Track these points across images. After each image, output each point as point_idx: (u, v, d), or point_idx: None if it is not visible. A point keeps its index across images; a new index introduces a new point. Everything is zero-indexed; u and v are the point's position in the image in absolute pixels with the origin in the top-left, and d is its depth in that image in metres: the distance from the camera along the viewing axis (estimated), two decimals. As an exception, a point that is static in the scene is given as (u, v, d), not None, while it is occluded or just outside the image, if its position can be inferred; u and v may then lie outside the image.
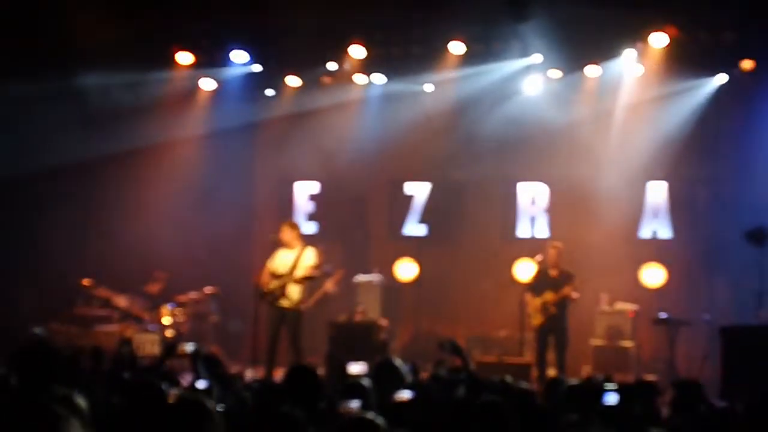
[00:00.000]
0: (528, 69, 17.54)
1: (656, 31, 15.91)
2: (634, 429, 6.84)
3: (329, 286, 16.14)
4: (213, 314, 17.32)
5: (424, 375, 9.84)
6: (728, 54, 16.48)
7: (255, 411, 6.55)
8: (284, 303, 14.84)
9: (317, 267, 15.01)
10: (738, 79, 17.08)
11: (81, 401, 4.62)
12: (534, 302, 15.88)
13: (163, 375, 7.74)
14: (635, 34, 16.20)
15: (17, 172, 16.65)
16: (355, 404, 6.12)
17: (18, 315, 16.59)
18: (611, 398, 7.25)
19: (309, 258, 15.06)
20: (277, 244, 15.17)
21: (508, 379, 7.97)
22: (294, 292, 14.80)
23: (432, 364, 10.49)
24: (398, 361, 8.13)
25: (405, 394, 6.72)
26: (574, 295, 15.69)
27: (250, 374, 13.26)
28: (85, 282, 16.63)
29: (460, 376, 8.43)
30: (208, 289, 17.04)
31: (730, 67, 16.94)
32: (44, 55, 15.92)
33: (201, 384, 7.55)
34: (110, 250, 17.64)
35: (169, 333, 16.32)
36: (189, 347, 10.07)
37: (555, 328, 15.79)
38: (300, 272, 14.91)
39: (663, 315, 15.94)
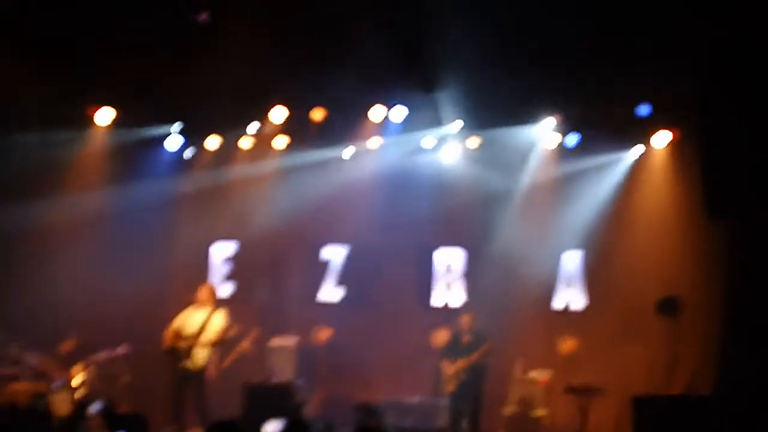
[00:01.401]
0: (446, 137, 17.77)
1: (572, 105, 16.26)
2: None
3: (245, 345, 16.04)
4: (125, 374, 17.07)
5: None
6: (643, 127, 16.87)
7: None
8: (188, 365, 14.75)
9: (226, 331, 14.98)
10: (650, 152, 17.46)
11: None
12: (449, 369, 15.95)
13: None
14: (553, 105, 16.53)
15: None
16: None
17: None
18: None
19: (218, 321, 15.03)
20: (191, 302, 15.12)
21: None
22: (200, 355, 14.72)
23: (347, 428, 10.48)
24: (314, 421, 8.12)
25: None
26: (475, 358, 15.78)
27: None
28: (-6, 340, 16.32)
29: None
30: (120, 349, 16.81)
31: (644, 139, 17.31)
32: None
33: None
34: (21, 308, 17.33)
35: (80, 393, 16.05)
36: (95, 407, 9.95)
37: (467, 395, 15.86)
38: (208, 336, 14.86)
39: (574, 384, 16.07)
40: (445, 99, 16.29)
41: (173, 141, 18.47)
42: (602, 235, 17.91)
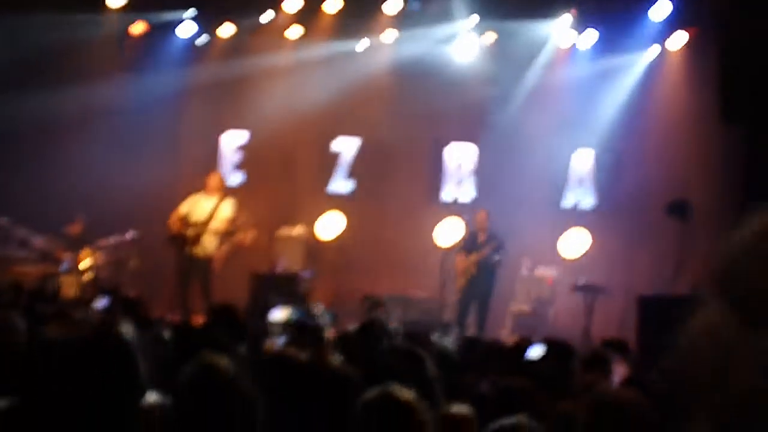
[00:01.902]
0: (462, 33, 17.61)
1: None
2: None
3: (243, 238, 15.90)
4: (133, 259, 17.13)
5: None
6: (659, 29, 16.69)
7: (175, 348, 6.51)
8: (197, 251, 14.80)
9: (233, 221, 15.00)
10: (668, 55, 17.30)
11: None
12: (461, 264, 16.02)
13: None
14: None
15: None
16: (279, 341, 6.11)
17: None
18: (535, 352, 7.31)
19: (226, 210, 15.04)
20: (200, 188, 15.13)
21: (434, 336, 8.01)
22: (209, 242, 14.77)
23: (352, 318, 10.52)
24: (320, 309, 8.16)
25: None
26: (495, 257, 15.83)
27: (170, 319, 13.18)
28: (2, 221, 16.36)
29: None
30: (129, 234, 16.85)
31: (660, 41, 17.14)
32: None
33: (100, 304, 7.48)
34: (29, 191, 17.36)
35: (87, 276, 16.15)
36: (101, 302, 9.95)
37: (477, 291, 15.94)
38: (216, 224, 14.88)
39: (581, 282, 16.13)
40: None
41: (186, 27, 18.32)
42: (615, 135, 17.82)
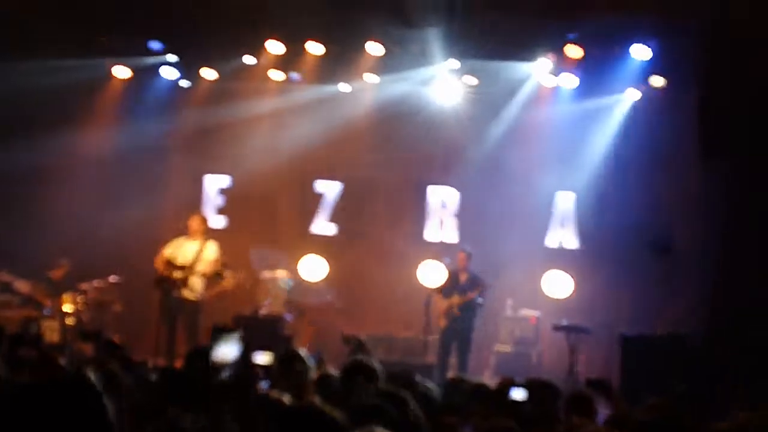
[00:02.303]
0: (443, 75, 17.71)
1: (570, 43, 16.15)
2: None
3: (230, 282, 15.90)
4: (116, 303, 17.11)
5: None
6: (640, 70, 16.79)
7: (159, 391, 6.50)
8: (186, 294, 14.79)
9: (218, 262, 15.02)
10: (649, 96, 17.41)
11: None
12: (441, 305, 16.02)
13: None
14: (550, 44, 16.42)
15: None
16: (264, 385, 6.10)
17: None
18: (518, 394, 7.30)
19: (211, 252, 15.06)
20: (183, 232, 15.15)
21: (417, 378, 7.98)
22: (197, 284, 14.77)
23: (336, 360, 10.49)
24: (303, 352, 8.14)
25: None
26: (479, 300, 15.85)
27: (153, 363, 13.14)
28: (-16, 266, 16.34)
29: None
30: (112, 278, 16.84)
31: (640, 83, 17.24)
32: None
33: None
34: (12, 234, 17.32)
35: (70, 320, 16.10)
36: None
37: (458, 331, 15.94)
38: (202, 266, 14.89)
39: (563, 322, 16.14)
40: (442, 36, 16.18)
41: (169, 72, 18.39)
42: (598, 174, 17.89)
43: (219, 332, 3.87)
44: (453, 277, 16.20)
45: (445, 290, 16.12)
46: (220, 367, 3.75)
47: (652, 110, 17.41)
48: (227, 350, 3.73)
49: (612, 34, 16.00)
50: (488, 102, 18.13)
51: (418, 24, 15.81)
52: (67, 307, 16.23)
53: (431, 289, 16.38)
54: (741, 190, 14.38)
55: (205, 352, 6.96)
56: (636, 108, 17.69)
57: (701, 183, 15.97)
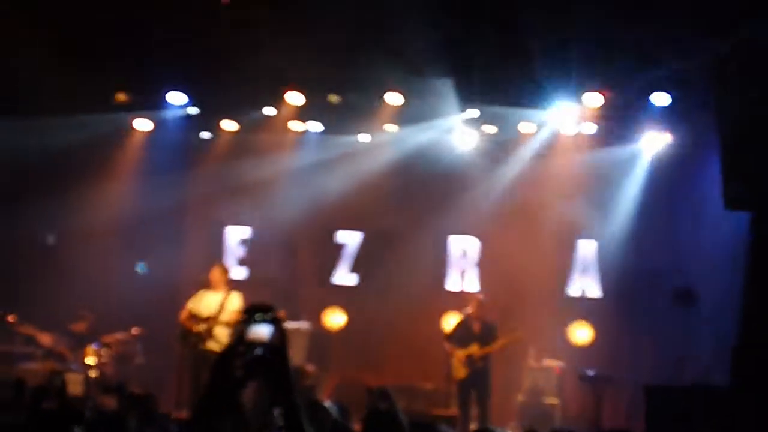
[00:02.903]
0: (462, 124, 17.74)
1: (591, 90, 16.16)
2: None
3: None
4: (138, 355, 17.10)
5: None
6: (659, 118, 16.79)
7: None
8: (211, 346, 14.75)
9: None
10: (671, 143, 17.39)
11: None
12: (458, 355, 15.91)
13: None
14: (569, 93, 16.43)
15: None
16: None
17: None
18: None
19: (235, 302, 15.03)
20: (204, 284, 15.13)
21: (443, 428, 7.91)
22: (222, 335, 14.73)
23: (358, 410, 10.43)
24: (327, 403, 8.11)
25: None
26: (518, 336, 15.82)
27: (176, 416, 13.11)
28: (10, 318, 16.37)
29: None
30: (134, 330, 16.84)
31: (660, 131, 17.23)
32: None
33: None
34: (36, 287, 17.39)
35: (93, 373, 16.09)
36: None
37: (479, 382, 15.84)
38: (226, 316, 14.87)
39: (589, 372, 16.04)
40: (461, 85, 16.21)
41: (189, 124, 18.48)
42: (619, 223, 17.84)
43: (253, 310, 3.86)
44: (465, 325, 16.11)
45: (458, 339, 16.02)
46: (254, 345, 3.74)
47: (674, 157, 17.39)
48: (262, 328, 3.73)
49: (632, 81, 15.98)
50: (508, 151, 18.15)
51: (436, 74, 15.84)
52: (90, 360, 16.23)
53: (445, 337, 16.29)
54: (764, 239, 14.29)
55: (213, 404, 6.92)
56: (658, 155, 17.65)
57: (725, 230, 15.90)
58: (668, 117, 16.74)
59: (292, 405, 3.75)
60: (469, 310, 16.16)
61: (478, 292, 16.94)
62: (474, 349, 15.85)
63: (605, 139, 17.59)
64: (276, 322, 3.77)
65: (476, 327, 16.04)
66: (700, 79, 14.92)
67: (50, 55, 15.06)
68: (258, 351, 3.71)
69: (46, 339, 16.44)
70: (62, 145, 17.15)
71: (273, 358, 3.71)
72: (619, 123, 17.03)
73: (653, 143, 17.58)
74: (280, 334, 3.74)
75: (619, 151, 17.79)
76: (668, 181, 17.58)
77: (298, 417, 3.72)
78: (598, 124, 17.23)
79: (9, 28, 14.53)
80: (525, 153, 18.09)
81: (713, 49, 13.84)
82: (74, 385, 15.52)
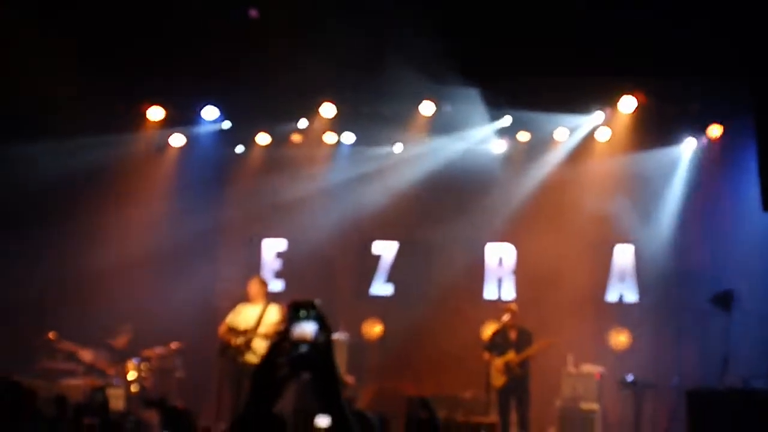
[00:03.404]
0: (497, 132, 17.74)
1: (626, 94, 16.10)
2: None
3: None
4: (178, 369, 17.17)
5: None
6: (695, 121, 16.73)
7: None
8: (250, 358, 14.77)
9: (282, 323, 15.01)
10: (705, 147, 17.33)
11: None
12: (496, 363, 15.89)
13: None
14: (604, 98, 16.40)
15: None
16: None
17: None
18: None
19: (273, 314, 15.05)
20: (243, 298, 15.18)
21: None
22: (261, 347, 14.75)
23: (398, 420, 10.44)
24: (368, 413, 8.10)
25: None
26: (552, 341, 15.78)
27: (216, 430, 13.17)
28: (50, 335, 16.47)
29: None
30: (174, 344, 16.91)
31: (697, 134, 17.18)
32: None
33: None
34: (75, 303, 17.49)
35: (134, 388, 16.18)
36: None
37: (518, 388, 15.82)
38: (265, 328, 14.88)
39: (629, 378, 15.96)
40: (495, 92, 16.21)
41: (223, 139, 18.58)
42: (656, 227, 17.77)
43: (297, 308, 3.81)
44: (502, 333, 16.08)
45: (495, 347, 15.99)
46: (299, 343, 3.68)
47: (712, 160, 17.32)
48: (306, 326, 3.66)
49: (668, 85, 15.92)
50: (542, 157, 18.12)
51: (470, 82, 15.84)
52: (131, 375, 16.32)
53: (483, 345, 16.27)
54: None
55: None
56: (696, 158, 17.58)
57: (764, 233, 15.82)
58: (705, 118, 16.69)
59: (341, 412, 3.70)
60: (506, 318, 16.12)
61: (512, 301, 16.89)
62: (511, 356, 15.83)
63: (641, 143, 17.51)
64: (320, 319, 3.73)
65: (513, 334, 16.01)
66: (740, 84, 14.82)
67: (82, 74, 15.17)
68: (303, 348, 3.66)
69: (86, 355, 16.54)
70: (102, 163, 17.31)
71: (319, 356, 3.66)
72: (655, 126, 16.96)
73: (691, 147, 17.51)
74: (326, 332, 3.69)
75: (657, 155, 17.73)
76: (706, 185, 17.50)
77: (348, 426, 3.67)
78: (634, 127, 17.16)
79: (41, 48, 14.64)
80: (559, 158, 18.06)
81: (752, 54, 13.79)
82: (115, 400, 15.59)
